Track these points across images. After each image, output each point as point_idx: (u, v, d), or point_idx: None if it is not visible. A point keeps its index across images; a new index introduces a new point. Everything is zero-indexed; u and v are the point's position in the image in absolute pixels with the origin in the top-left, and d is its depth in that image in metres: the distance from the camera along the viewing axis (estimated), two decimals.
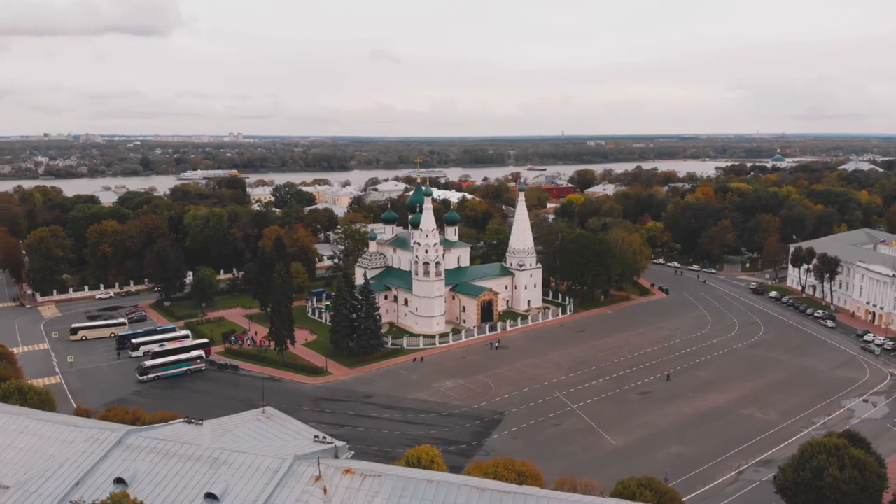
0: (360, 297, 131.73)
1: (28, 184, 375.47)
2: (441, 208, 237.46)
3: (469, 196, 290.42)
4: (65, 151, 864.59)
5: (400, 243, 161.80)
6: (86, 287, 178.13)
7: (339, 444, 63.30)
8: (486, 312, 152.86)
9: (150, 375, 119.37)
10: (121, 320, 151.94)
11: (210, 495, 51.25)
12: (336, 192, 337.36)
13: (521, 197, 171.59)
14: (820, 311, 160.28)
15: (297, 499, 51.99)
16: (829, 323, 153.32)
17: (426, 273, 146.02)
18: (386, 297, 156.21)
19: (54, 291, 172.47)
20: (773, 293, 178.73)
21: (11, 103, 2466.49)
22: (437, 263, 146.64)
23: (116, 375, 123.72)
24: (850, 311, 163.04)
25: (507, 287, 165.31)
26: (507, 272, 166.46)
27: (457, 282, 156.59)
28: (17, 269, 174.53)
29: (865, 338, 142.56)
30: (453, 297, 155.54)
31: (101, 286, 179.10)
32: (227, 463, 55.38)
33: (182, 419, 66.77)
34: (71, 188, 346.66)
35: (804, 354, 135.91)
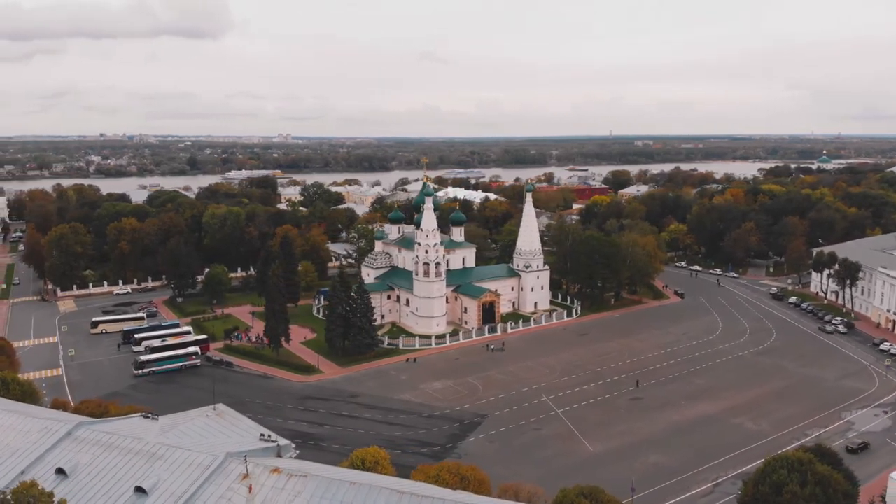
0: (354, 297, 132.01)
1: (76, 182, 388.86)
2: (459, 209, 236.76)
3: (493, 197, 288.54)
4: (118, 151, 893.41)
5: (405, 243, 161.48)
6: (105, 283, 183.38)
7: (284, 442, 63.57)
8: (488, 314, 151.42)
9: (144, 370, 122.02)
10: (139, 314, 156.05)
11: (139, 489, 51.97)
12: (364, 192, 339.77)
13: (529, 198, 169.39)
14: (837, 319, 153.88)
15: (222, 496, 52.39)
16: (841, 328, 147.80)
17: (426, 273, 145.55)
18: (389, 297, 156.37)
19: (74, 287, 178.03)
20: (792, 299, 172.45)
21: (70, 104, 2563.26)
22: (437, 264, 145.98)
23: (115, 369, 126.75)
24: (871, 318, 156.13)
25: (513, 289, 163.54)
26: (513, 273, 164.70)
27: (461, 282, 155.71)
28: (41, 264, 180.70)
29: (882, 347, 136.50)
30: (456, 298, 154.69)
31: (120, 282, 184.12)
32: (163, 458, 56.17)
33: (140, 413, 68.11)
34: (111, 187, 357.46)
35: (813, 363, 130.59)
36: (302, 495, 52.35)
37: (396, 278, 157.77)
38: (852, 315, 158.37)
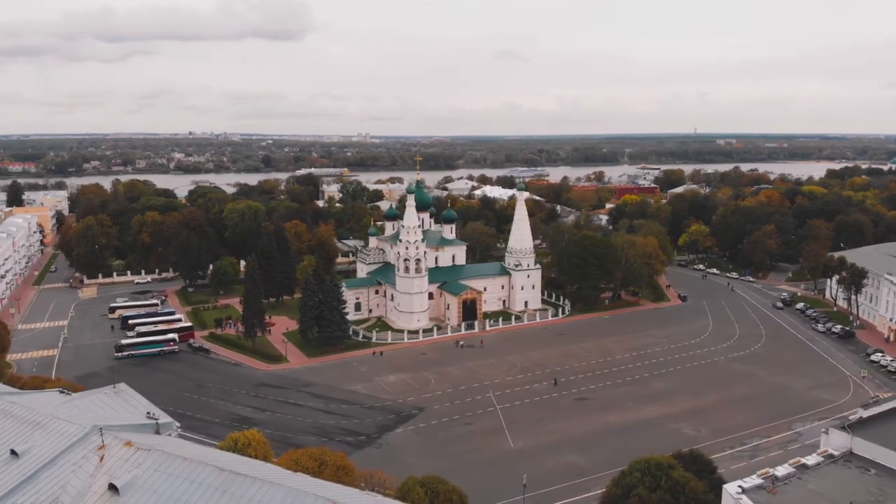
0: (326, 289, 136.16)
1: (148, 177, 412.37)
2: (478, 207, 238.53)
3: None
4: (202, 148, 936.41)
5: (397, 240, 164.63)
6: (128, 272, 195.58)
7: (165, 421, 68.13)
8: (469, 311, 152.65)
9: (124, 353, 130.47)
10: (154, 301, 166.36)
11: (13, 452, 57.90)
12: (404, 190, 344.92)
13: (521, 197, 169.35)
14: (838, 326, 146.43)
15: (76, 462, 57.32)
16: (820, 327, 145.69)
17: (406, 269, 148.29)
18: (377, 292, 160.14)
19: (99, 275, 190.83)
20: (799, 305, 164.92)
21: (165, 104, 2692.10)
22: (418, 260, 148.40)
23: (105, 352, 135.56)
24: (877, 326, 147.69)
25: (503, 287, 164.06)
26: (504, 272, 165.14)
27: (448, 279, 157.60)
28: (70, 253, 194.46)
29: (873, 357, 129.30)
30: (441, 295, 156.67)
31: (142, 272, 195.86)
32: (44, 427, 61.75)
33: (58, 389, 74.53)
34: (171, 182, 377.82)
35: (789, 371, 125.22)
36: (141, 466, 56.61)
37: (385, 274, 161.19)
38: (856, 323, 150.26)
